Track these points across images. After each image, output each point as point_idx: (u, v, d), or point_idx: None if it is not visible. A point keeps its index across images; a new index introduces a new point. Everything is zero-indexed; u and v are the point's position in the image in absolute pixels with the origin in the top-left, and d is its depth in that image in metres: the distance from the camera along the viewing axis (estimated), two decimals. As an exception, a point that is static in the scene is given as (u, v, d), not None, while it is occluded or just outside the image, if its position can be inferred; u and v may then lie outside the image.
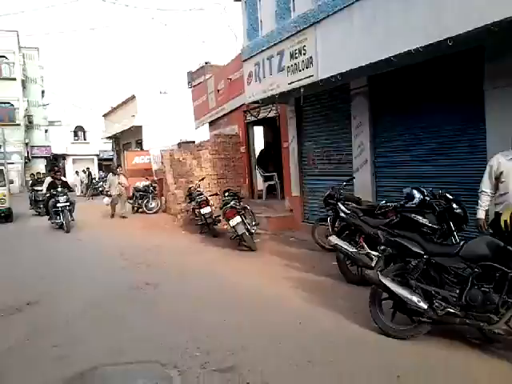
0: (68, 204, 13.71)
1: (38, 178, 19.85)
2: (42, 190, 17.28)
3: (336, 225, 7.75)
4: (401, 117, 8.42)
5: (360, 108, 9.12)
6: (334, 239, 6.66)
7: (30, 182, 19.48)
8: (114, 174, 16.69)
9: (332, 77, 7.96)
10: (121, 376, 4.20)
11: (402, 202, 6.53)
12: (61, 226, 13.60)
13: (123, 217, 15.88)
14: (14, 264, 9.48)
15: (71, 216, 13.81)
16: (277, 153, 13.10)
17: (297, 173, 11.32)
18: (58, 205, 13.58)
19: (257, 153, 15.32)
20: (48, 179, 15.40)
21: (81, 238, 12.27)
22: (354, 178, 9.07)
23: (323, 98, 10.20)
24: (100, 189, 30.07)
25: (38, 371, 4.26)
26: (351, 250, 6.40)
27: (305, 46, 8.56)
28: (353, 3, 7.35)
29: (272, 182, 13.63)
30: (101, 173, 39.69)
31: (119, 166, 18.69)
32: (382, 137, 8.85)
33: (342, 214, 6.96)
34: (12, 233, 14.71)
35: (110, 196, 16.45)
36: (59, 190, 13.98)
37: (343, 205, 7.12)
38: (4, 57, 39.93)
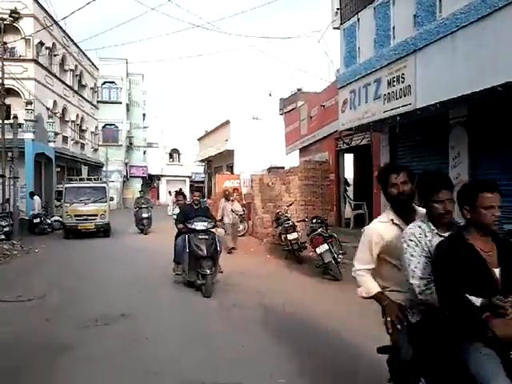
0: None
1: (141, 197, 21.14)
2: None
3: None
4: (505, 150, 7.88)
5: (459, 138, 8.70)
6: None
7: (135, 200, 21.05)
8: (227, 199, 14.39)
9: (431, 105, 7.71)
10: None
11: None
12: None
13: (231, 249, 13.33)
14: (115, 276, 10.11)
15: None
16: (366, 181, 12.82)
17: (387, 202, 10.95)
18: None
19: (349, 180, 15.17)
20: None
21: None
22: (450, 211, 8.59)
23: (419, 127, 9.86)
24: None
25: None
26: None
27: (403, 73, 8.39)
28: (457, 30, 7.11)
29: (361, 211, 13.31)
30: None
31: (235, 190, 16.90)
32: (482, 169, 8.34)
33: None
34: (111, 246, 15.70)
35: (223, 224, 13.68)
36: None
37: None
38: (113, 82, 43.32)
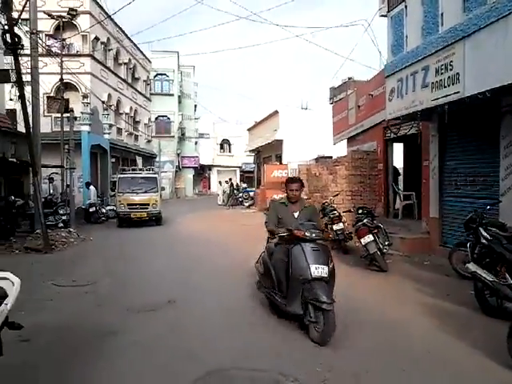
0: None
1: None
2: None
3: (476, 251, 7.18)
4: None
5: (510, 127, 8.38)
6: (472, 266, 6.18)
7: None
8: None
9: (480, 93, 7.46)
10: (244, 381, 4.33)
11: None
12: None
13: None
14: (164, 263, 10.50)
15: None
16: (416, 171, 12.55)
17: (436, 193, 10.72)
18: None
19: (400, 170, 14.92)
20: None
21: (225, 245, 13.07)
22: (500, 201, 8.33)
23: (469, 115, 9.55)
24: (240, 199, 31.71)
25: (169, 367, 4.57)
26: (491, 279, 5.87)
27: (452, 61, 8.15)
28: (509, 14, 6.83)
29: (409, 202, 13.06)
30: (243, 184, 41.74)
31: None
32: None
33: (483, 240, 6.43)
34: (162, 234, 16.22)
35: None
36: None
37: (485, 230, 6.57)
38: (165, 74, 44.26)
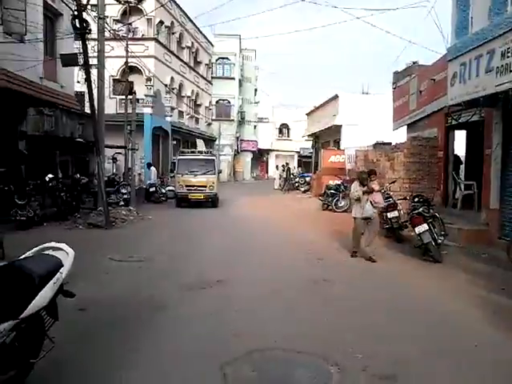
0: None
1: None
2: None
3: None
4: None
5: None
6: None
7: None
8: (363, 183, 9.54)
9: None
10: (285, 362, 4.42)
11: None
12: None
13: (370, 259, 9.06)
14: (218, 243, 10.76)
15: None
16: (478, 160, 12.03)
17: (498, 183, 10.24)
18: None
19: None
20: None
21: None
22: None
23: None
24: (296, 184, 31.69)
25: (214, 344, 4.72)
26: (549, 274, 5.62)
27: (519, 44, 7.71)
28: None
29: (470, 192, 12.56)
30: (299, 169, 41.63)
31: (372, 171, 10.14)
32: None
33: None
34: (218, 216, 16.61)
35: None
36: None
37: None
38: (227, 58, 44.60)
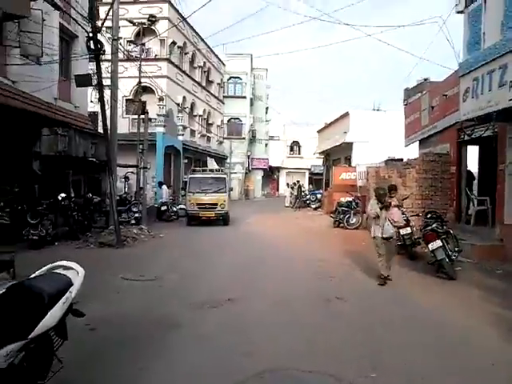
0: None
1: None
2: None
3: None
4: None
5: None
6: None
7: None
8: (380, 200, 8.87)
9: None
10: (297, 382, 4.34)
11: None
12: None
13: (385, 278, 8.58)
14: (229, 261, 10.71)
15: None
16: (492, 176, 11.89)
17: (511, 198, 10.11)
18: None
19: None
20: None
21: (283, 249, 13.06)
22: None
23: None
24: (307, 201, 31.61)
25: (226, 363, 4.67)
26: None
27: (532, 58, 7.66)
28: None
29: (483, 207, 12.39)
30: (310, 186, 41.58)
31: (392, 187, 9.93)
32: None
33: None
34: (229, 234, 16.54)
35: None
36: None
37: None
38: (238, 77, 44.98)
